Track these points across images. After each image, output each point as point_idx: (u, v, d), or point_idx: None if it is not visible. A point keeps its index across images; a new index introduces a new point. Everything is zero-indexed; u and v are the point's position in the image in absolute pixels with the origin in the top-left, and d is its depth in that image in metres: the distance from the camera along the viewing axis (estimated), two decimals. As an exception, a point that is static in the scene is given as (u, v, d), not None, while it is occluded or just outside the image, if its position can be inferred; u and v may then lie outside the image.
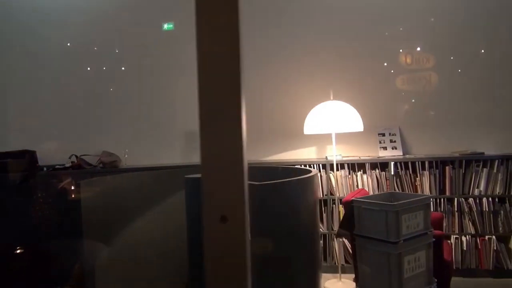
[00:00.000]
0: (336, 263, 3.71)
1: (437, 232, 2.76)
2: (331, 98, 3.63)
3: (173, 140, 4.36)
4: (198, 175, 2.85)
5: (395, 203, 2.27)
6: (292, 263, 2.55)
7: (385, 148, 3.99)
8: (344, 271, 3.69)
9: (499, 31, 3.81)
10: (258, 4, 4.30)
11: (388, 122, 4.05)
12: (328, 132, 3.46)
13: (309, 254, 2.80)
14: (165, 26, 4.35)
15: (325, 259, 3.84)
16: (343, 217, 2.52)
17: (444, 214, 3.60)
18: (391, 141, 4.00)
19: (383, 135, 4.03)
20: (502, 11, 3.80)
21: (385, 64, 4.05)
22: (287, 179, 2.54)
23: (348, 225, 2.51)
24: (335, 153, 3.63)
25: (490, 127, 3.83)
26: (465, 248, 3.56)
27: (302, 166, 3.78)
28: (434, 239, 2.49)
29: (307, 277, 2.76)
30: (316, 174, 2.95)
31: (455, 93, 3.91)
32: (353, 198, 2.49)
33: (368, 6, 4.06)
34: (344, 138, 4.09)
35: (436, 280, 2.59)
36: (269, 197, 2.40)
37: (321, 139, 4.12)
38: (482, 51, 3.86)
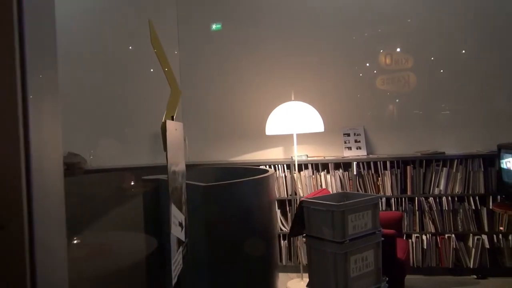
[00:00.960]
0: (300, 262, 3.73)
1: (387, 231, 2.79)
2: (292, 98, 3.64)
3: (140, 141, 4.33)
4: (156, 176, 2.85)
5: (340, 203, 2.29)
6: (244, 263, 2.56)
7: (350, 148, 4.03)
8: (307, 270, 3.71)
9: (456, 35, 3.87)
10: (219, 6, 4.31)
11: (353, 122, 4.08)
12: (290, 133, 3.48)
13: (264, 254, 2.81)
14: (214, 26, 4.30)
15: (290, 259, 3.86)
16: (294, 218, 2.53)
17: (405, 213, 3.64)
18: (355, 141, 4.04)
19: (348, 135, 4.07)
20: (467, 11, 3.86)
21: (352, 65, 4.08)
22: (237, 180, 2.54)
23: (299, 225, 2.53)
24: (296, 153, 3.65)
25: (452, 128, 3.88)
26: (425, 247, 3.61)
27: (267, 167, 3.79)
28: (383, 238, 2.52)
29: (261, 276, 2.77)
30: (272, 174, 2.96)
31: (419, 94, 3.96)
32: (302, 199, 2.51)
33: (330, 7, 4.09)
34: (311, 138, 4.11)
35: (387, 278, 2.62)
36: (218, 197, 2.41)
37: (288, 139, 4.13)
38: (463, 51, 3.92)
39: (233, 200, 2.49)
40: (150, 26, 1.44)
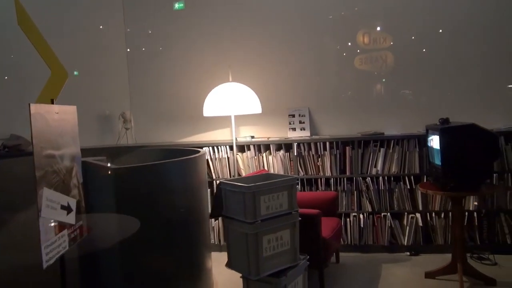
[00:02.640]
0: (242, 242, 3.78)
1: (311, 211, 2.85)
2: (230, 80, 3.62)
3: (88, 122, 4.29)
4: (84, 159, 2.84)
5: (251, 184, 2.32)
6: (171, 244, 2.60)
7: (294, 129, 4.05)
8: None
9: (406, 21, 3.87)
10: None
11: (299, 103, 4.10)
12: (227, 114, 3.48)
13: (192, 235, 2.85)
14: (176, 5, 4.19)
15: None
16: (213, 199, 2.56)
17: (343, 193, 3.71)
18: (300, 122, 4.06)
19: (293, 116, 4.08)
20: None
21: (298, 46, 4.06)
22: (155, 162, 2.55)
23: (219, 207, 2.56)
24: (234, 134, 3.66)
25: (393, 109, 3.92)
26: (362, 225, 3.70)
27: (211, 148, 3.81)
28: (300, 218, 2.56)
29: (189, 256, 2.82)
30: (200, 156, 2.97)
31: (363, 76, 3.98)
32: (220, 180, 2.53)
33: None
34: (257, 119, 4.13)
35: (307, 256, 2.69)
36: (129, 179, 2.42)
37: (236, 120, 4.13)
38: (412, 38, 3.92)
39: (152, 182, 2.51)
40: (17, 6, 1.40)
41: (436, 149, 2.83)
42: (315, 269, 2.93)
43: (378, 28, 3.92)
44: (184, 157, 2.88)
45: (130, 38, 4.36)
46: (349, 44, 3.99)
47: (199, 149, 3.30)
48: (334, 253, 3.52)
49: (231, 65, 4.11)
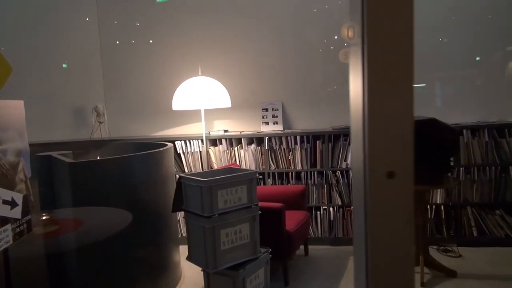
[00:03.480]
0: (213, 235, 3.81)
1: (274, 204, 2.88)
2: (200, 73, 3.62)
3: (63, 116, 4.27)
4: (49, 153, 2.84)
5: (208, 179, 2.34)
6: (136, 238, 2.62)
7: (267, 123, 4.07)
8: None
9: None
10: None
11: (272, 97, 4.10)
12: (197, 108, 3.48)
13: (158, 228, 2.87)
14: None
15: (206, 231, 3.94)
16: (174, 193, 2.58)
17: (314, 187, 3.74)
18: (273, 116, 4.07)
19: (267, 110, 4.09)
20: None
21: (272, 41, 4.06)
22: (115, 157, 2.56)
23: (180, 201, 2.58)
24: (204, 128, 3.67)
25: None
26: (332, 219, 3.74)
27: (183, 142, 3.82)
28: (260, 212, 2.59)
29: (156, 250, 2.84)
30: (166, 149, 2.98)
31: (336, 70, 3.99)
32: (181, 175, 2.55)
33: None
34: (231, 113, 4.13)
35: (269, 249, 2.72)
36: (88, 173, 2.42)
37: (211, 114, 4.15)
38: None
39: (113, 176, 2.52)
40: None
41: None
42: (279, 262, 2.96)
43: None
44: (147, 151, 2.89)
45: (104, 31, 4.33)
46: (324, 39, 3.99)
47: (167, 143, 3.31)
48: (303, 246, 3.56)
49: (202, 59, 4.11)
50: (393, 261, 0.50)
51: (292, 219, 3.14)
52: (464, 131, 3.52)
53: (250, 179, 2.52)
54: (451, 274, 2.98)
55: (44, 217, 2.48)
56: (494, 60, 3.75)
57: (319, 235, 3.77)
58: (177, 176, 3.70)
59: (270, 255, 2.74)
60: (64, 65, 4.15)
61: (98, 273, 2.47)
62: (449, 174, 3.40)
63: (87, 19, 4.21)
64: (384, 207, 0.49)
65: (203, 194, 2.34)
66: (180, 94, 3.45)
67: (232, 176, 2.42)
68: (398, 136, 0.49)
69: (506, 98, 3.74)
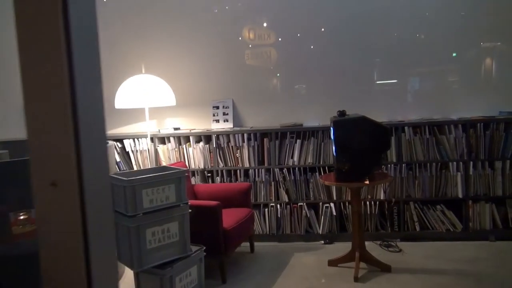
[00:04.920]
0: (162, 233, 3.81)
1: (209, 202, 2.89)
2: (143, 71, 3.60)
3: (18, 115, 4.20)
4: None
5: (131, 178, 2.34)
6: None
7: (217, 121, 4.07)
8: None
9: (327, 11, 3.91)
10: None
11: (223, 95, 4.11)
12: (140, 107, 3.47)
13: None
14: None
15: (156, 230, 3.93)
16: (104, 192, 2.57)
17: (260, 184, 3.77)
18: (224, 114, 4.08)
19: (217, 108, 4.10)
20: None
21: (222, 39, 4.05)
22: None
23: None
24: (148, 127, 3.65)
25: (313, 100, 3.98)
26: (279, 215, 3.77)
27: (131, 140, 3.80)
28: (190, 210, 2.60)
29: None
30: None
31: (286, 69, 4.01)
32: (109, 174, 2.53)
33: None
34: (183, 110, 4.13)
35: (203, 247, 2.73)
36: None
37: (162, 112, 4.13)
38: (323, 29, 3.94)
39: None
40: None
41: (332, 141, 2.90)
42: (216, 259, 2.98)
43: (263, 24, 3.95)
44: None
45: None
46: (272, 37, 4.01)
47: (108, 141, 3.29)
48: (249, 243, 3.59)
49: (148, 57, 4.09)
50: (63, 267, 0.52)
51: (232, 217, 3.16)
52: (406, 128, 3.59)
53: (178, 178, 2.53)
54: (385, 268, 3.04)
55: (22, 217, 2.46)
56: (441, 60, 3.82)
57: (267, 232, 3.80)
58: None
59: (205, 253, 2.76)
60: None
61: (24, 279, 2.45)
62: (380, 170, 3.45)
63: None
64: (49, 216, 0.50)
65: (126, 193, 2.33)
66: (123, 92, 3.43)
67: (157, 175, 2.43)
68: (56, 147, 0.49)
69: (451, 96, 3.81)
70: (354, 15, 3.86)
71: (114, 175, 2.46)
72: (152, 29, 4.10)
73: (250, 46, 4.04)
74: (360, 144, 2.80)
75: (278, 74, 4.03)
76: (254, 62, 4.06)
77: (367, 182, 2.84)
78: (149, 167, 3.85)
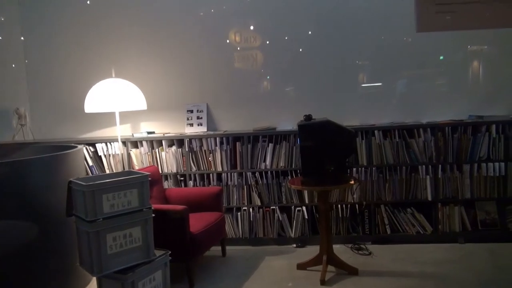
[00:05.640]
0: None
1: (175, 207, 2.90)
2: (113, 75, 3.60)
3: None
4: None
5: (90, 183, 2.33)
6: (37, 243, 2.59)
7: (191, 125, 4.07)
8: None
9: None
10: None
11: (197, 99, 4.11)
12: (111, 111, 3.46)
13: (61, 233, 2.84)
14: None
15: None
16: (67, 197, 2.55)
17: (233, 188, 3.78)
18: (198, 117, 4.08)
19: (192, 112, 4.10)
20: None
21: (197, 42, 4.06)
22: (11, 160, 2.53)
23: (71, 205, 2.56)
24: (119, 132, 3.64)
25: (286, 104, 4.00)
26: (252, 219, 3.78)
27: (103, 144, 3.78)
28: (154, 215, 2.59)
29: (58, 256, 2.82)
30: (71, 153, 2.96)
31: (262, 73, 4.03)
32: (70, 179, 2.53)
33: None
34: (158, 114, 4.13)
35: (168, 252, 2.72)
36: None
37: (137, 115, 4.12)
38: (286, 37, 3.97)
39: (8, 180, 2.49)
40: None
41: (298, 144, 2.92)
42: (184, 264, 2.98)
43: (251, 27, 3.97)
44: (48, 154, 2.86)
45: (27, 31, 4.24)
46: (245, 40, 4.03)
47: (77, 145, 3.28)
48: (220, 247, 3.59)
49: (120, 61, 4.08)
50: None
51: (202, 221, 3.16)
52: (376, 132, 3.62)
53: (141, 182, 2.52)
54: (352, 271, 3.06)
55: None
56: (414, 65, 3.87)
57: (240, 236, 3.81)
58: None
59: (170, 258, 2.75)
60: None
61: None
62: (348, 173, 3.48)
63: (2, 18, 4.11)
64: None
65: (86, 198, 2.32)
66: (92, 96, 3.42)
67: (118, 180, 2.42)
68: None
69: (424, 100, 3.86)
70: (329, 18, 3.89)
71: (74, 180, 2.45)
72: (123, 33, 4.09)
73: (226, 50, 4.05)
74: (325, 148, 2.82)
75: (254, 78, 4.04)
76: (229, 66, 4.07)
77: (332, 186, 2.86)
78: (122, 171, 3.84)
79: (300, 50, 3.95)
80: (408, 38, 3.82)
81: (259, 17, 3.98)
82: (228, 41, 4.04)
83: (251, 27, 4.00)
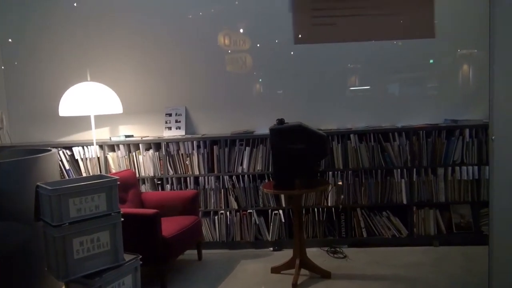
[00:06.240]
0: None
1: (142, 210, 2.89)
2: (88, 79, 3.59)
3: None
4: None
5: (57, 187, 2.32)
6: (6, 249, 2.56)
7: (170, 128, 4.07)
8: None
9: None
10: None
11: (177, 102, 4.11)
12: (86, 114, 3.44)
13: (31, 237, 2.81)
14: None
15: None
16: (35, 201, 2.54)
17: (210, 191, 3.78)
18: (176, 121, 4.08)
19: (170, 115, 4.10)
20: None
21: (176, 45, 4.05)
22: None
23: (38, 210, 2.54)
24: (94, 135, 3.63)
25: (265, 108, 4.01)
26: (229, 223, 3.78)
27: (81, 148, 3.76)
28: (124, 219, 2.58)
29: (25, 263, 2.79)
30: (42, 157, 2.94)
31: (240, 77, 4.03)
32: (38, 183, 2.51)
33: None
34: (137, 118, 4.12)
35: (139, 256, 2.71)
36: None
37: (114, 119, 4.09)
38: (258, 45, 3.98)
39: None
40: None
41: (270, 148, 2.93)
42: (157, 268, 2.97)
43: (241, 30, 3.99)
44: (17, 158, 2.84)
45: (2, 33, 4.21)
46: (230, 45, 4.03)
47: (51, 149, 3.26)
48: (196, 251, 3.58)
49: (97, 65, 4.07)
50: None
51: (175, 225, 3.16)
52: (352, 136, 3.65)
53: (109, 186, 2.51)
54: (325, 275, 3.07)
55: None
56: (391, 69, 3.90)
57: (217, 239, 3.80)
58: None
59: (141, 262, 2.74)
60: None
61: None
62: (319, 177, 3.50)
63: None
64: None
65: (52, 203, 2.31)
66: (67, 100, 3.41)
67: (84, 184, 2.41)
68: None
69: (400, 104, 3.89)
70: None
71: (40, 184, 2.43)
72: (101, 36, 4.08)
73: (206, 54, 4.05)
74: (297, 151, 2.83)
75: (234, 82, 4.05)
76: (208, 69, 4.07)
77: (305, 189, 2.87)
78: (92, 175, 3.82)
79: (280, 55, 3.96)
80: (388, 43, 3.85)
81: (237, 21, 4.00)
82: (208, 44, 4.04)
83: (233, 31, 4.01)
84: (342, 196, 3.64)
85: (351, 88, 3.96)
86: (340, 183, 3.63)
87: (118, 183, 2.57)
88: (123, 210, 2.86)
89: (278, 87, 4.03)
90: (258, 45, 3.99)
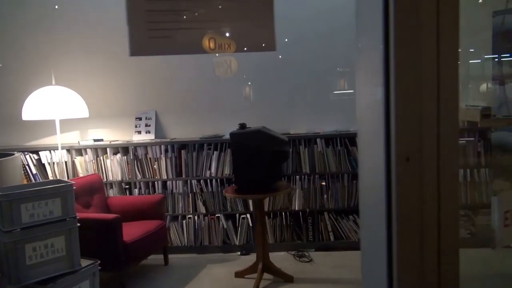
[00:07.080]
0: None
1: (102, 215, 2.87)
2: (53, 83, 3.56)
3: None
4: None
5: (8, 192, 2.29)
6: None
7: (139, 132, 4.05)
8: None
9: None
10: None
11: (147, 106, 4.10)
12: (51, 118, 3.42)
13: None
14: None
15: (74, 243, 3.86)
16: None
17: (178, 196, 3.77)
18: (146, 125, 4.07)
19: (140, 119, 4.08)
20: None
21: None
22: None
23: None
24: (59, 139, 3.60)
25: (235, 112, 4.01)
26: (197, 227, 3.77)
27: (48, 152, 3.73)
28: (83, 224, 2.56)
29: None
30: (3, 160, 2.91)
31: (210, 81, 4.03)
32: (-9, 188, 2.48)
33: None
34: (107, 121, 4.09)
35: (97, 261, 2.69)
36: None
37: (85, 123, 4.06)
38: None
39: None
40: None
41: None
42: (118, 273, 2.95)
43: (227, 34, 4.00)
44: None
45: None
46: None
47: (14, 153, 3.22)
48: (163, 255, 3.56)
49: (63, 69, 4.04)
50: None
51: (138, 229, 3.14)
52: (318, 140, 3.67)
53: (64, 191, 2.49)
54: (288, 279, 3.08)
55: None
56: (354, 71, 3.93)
57: (186, 244, 3.79)
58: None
59: (100, 267, 2.72)
60: None
61: None
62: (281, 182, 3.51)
63: None
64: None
65: (2, 208, 2.29)
66: (30, 104, 3.38)
67: (38, 189, 2.39)
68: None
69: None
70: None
71: (-6, 190, 2.40)
72: (64, 38, 4.04)
73: (175, 58, 4.04)
74: (258, 156, 2.84)
75: (204, 87, 4.04)
76: (179, 73, 4.07)
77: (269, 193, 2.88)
78: (50, 180, 3.79)
79: (252, 59, 3.97)
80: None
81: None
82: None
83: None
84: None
85: (322, 93, 3.98)
86: (324, 183, 3.64)
87: (75, 188, 2.56)
88: (83, 215, 2.86)
89: (250, 92, 4.04)
90: (224, 49, 4.00)
